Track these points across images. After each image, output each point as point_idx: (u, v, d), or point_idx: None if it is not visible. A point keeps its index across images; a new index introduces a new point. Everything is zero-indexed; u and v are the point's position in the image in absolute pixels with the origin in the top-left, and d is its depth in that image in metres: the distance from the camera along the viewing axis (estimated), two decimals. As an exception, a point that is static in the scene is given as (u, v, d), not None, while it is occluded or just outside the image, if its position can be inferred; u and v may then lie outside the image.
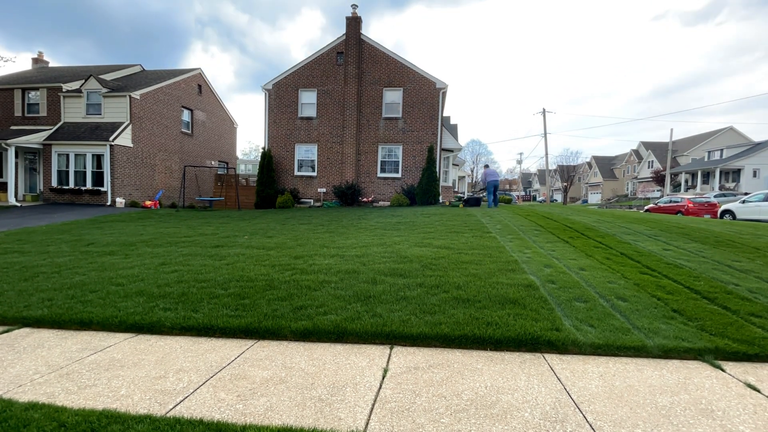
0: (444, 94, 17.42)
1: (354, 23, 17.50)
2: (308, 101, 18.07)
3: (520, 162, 64.42)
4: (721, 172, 35.76)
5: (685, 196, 21.15)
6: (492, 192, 14.36)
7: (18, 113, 19.24)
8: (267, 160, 17.52)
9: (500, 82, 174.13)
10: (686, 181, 40.36)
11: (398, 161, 17.59)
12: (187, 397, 2.46)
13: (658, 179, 42.58)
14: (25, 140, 16.90)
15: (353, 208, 15.64)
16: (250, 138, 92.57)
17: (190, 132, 22.57)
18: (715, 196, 23.55)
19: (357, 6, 17.58)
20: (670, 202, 20.24)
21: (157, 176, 20.08)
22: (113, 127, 17.71)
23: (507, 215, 10.97)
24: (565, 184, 54.14)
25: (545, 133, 35.70)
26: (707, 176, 37.71)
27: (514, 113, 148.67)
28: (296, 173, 18.17)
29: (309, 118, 18.01)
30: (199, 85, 23.20)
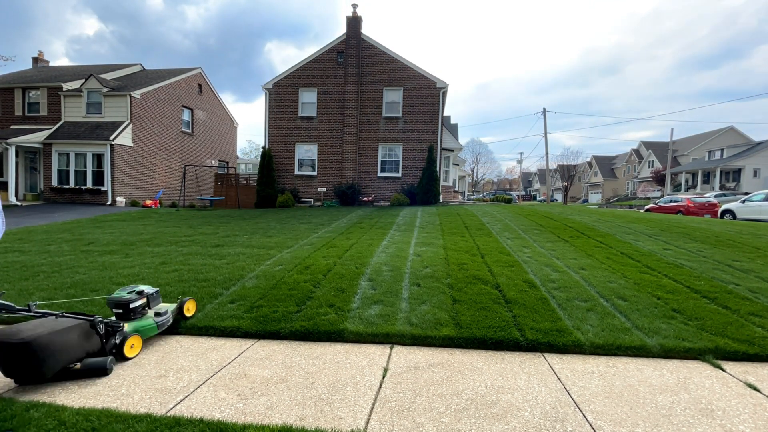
0: (444, 93, 17.39)
1: (354, 23, 17.48)
2: (308, 101, 18.05)
3: (520, 162, 64.30)
4: (721, 172, 35.71)
5: (685, 196, 21.12)
6: None
7: (18, 112, 19.24)
8: (267, 159, 17.52)
9: (500, 81, 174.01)
10: (686, 181, 40.31)
11: (398, 161, 17.58)
12: (187, 396, 2.47)
13: (659, 179, 42.53)
14: (25, 139, 16.91)
15: (353, 207, 15.63)
16: (251, 137, 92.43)
17: (190, 131, 22.57)
18: (715, 196, 23.48)
19: (357, 5, 17.57)
20: (671, 201, 20.20)
21: (158, 176, 20.08)
22: (113, 126, 17.71)
23: (507, 215, 10.96)
24: (566, 183, 54.02)
25: (545, 133, 35.68)
26: (708, 176, 37.66)
27: (514, 113, 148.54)
28: (296, 173, 18.16)
29: (309, 118, 18.00)
30: (199, 84, 23.20)
